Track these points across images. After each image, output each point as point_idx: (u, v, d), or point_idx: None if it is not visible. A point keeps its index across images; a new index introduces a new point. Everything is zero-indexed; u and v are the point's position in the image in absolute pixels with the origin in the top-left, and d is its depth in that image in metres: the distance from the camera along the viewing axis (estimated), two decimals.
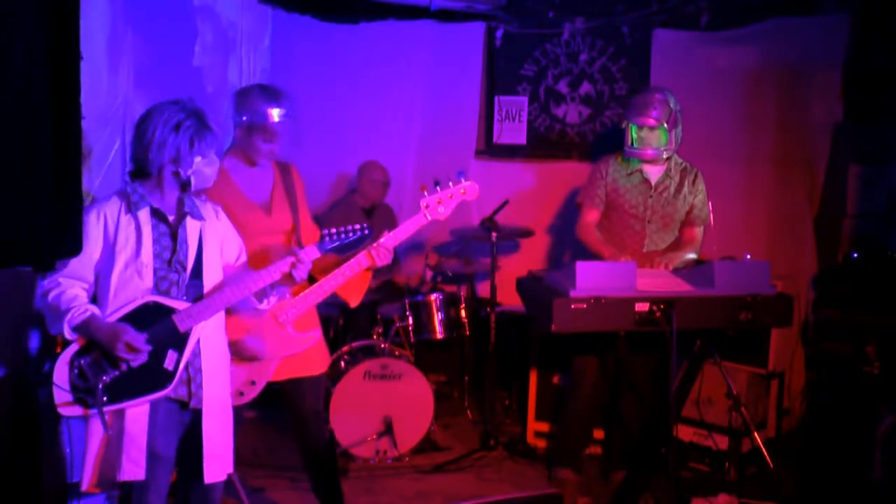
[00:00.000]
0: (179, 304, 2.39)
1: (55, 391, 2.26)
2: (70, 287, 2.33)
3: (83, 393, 2.28)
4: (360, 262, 2.86)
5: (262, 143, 2.87)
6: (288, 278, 2.58)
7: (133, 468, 2.30)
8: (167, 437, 2.40)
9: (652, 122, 3.62)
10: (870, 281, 4.15)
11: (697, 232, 3.83)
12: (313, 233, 3.06)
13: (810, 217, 4.78)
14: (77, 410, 2.29)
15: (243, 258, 2.65)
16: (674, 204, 3.74)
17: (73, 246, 1.32)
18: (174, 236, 2.43)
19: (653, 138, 3.66)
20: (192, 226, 2.47)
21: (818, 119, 4.75)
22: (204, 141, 2.41)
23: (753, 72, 4.89)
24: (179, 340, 2.38)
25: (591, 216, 3.82)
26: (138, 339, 2.29)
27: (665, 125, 3.63)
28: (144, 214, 2.40)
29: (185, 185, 2.44)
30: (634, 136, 3.68)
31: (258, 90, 2.91)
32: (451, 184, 2.93)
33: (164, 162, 2.38)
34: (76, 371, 2.28)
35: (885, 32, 4.57)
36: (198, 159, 2.40)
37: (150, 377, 2.33)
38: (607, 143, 5.24)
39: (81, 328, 2.28)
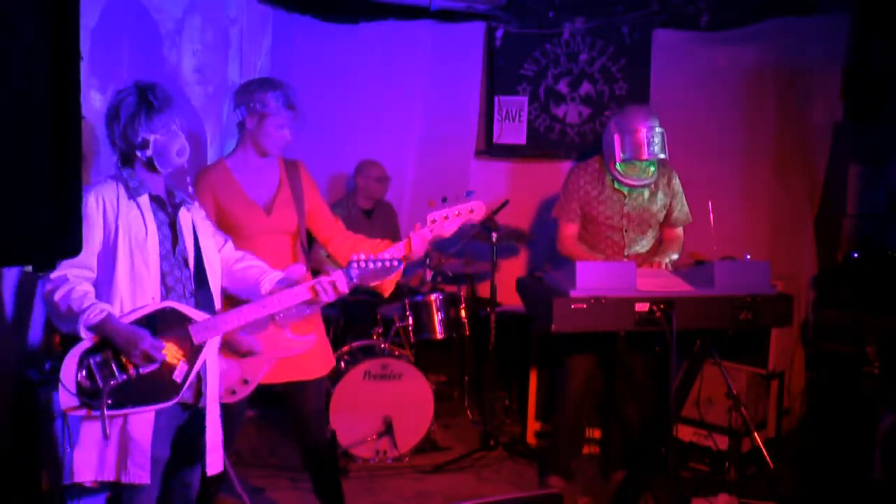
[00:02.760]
0: (197, 315, 2.33)
1: (60, 387, 2.18)
2: (78, 283, 2.23)
3: (88, 394, 2.20)
4: (398, 250, 2.79)
5: (274, 129, 2.84)
6: (315, 299, 2.50)
7: (138, 472, 2.26)
8: (164, 441, 2.37)
9: (648, 157, 3.55)
10: (870, 281, 4.15)
11: (679, 231, 3.82)
12: (337, 226, 3.05)
13: (810, 217, 4.78)
14: (80, 410, 2.22)
15: (229, 245, 2.62)
16: (649, 209, 3.71)
17: (74, 246, 1.32)
18: (173, 225, 2.38)
19: (647, 168, 3.62)
20: (184, 216, 2.43)
21: (818, 119, 4.75)
22: (145, 118, 2.29)
23: (753, 72, 4.89)
24: (192, 352, 2.31)
25: (569, 229, 3.77)
26: (156, 346, 2.22)
27: (660, 157, 3.58)
28: (145, 201, 2.34)
29: (148, 165, 2.34)
30: (624, 166, 3.59)
31: (260, 81, 2.92)
32: (458, 201, 2.92)
33: (122, 148, 2.33)
34: (84, 370, 2.20)
35: (885, 32, 4.57)
36: (153, 137, 2.30)
37: (157, 386, 2.27)
38: None
39: (97, 329, 2.21)
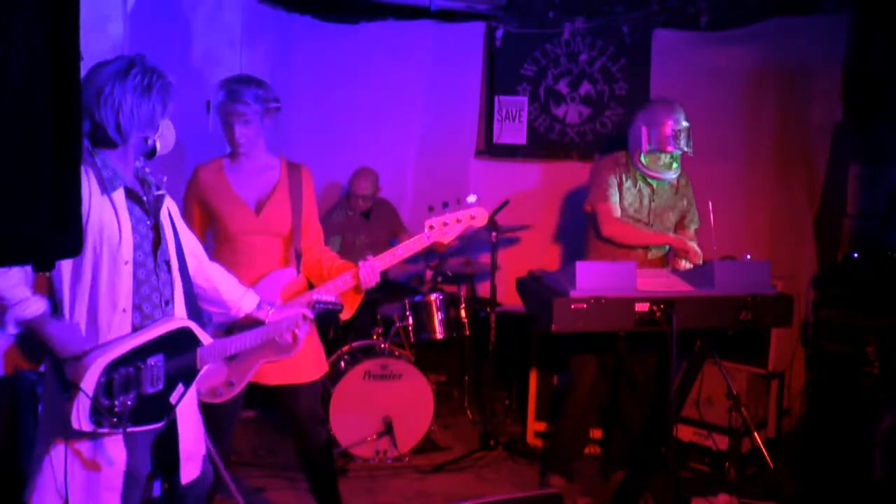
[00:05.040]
0: (206, 338, 2.23)
1: (78, 403, 1.93)
2: (12, 274, 1.91)
3: (102, 412, 1.96)
4: (346, 281, 2.84)
5: (237, 124, 2.75)
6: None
7: (110, 496, 2.08)
8: (144, 456, 2.20)
9: (673, 150, 3.59)
10: (870, 281, 4.15)
11: (692, 234, 3.83)
12: (317, 237, 3.00)
13: (810, 217, 4.78)
14: (88, 426, 1.96)
15: (204, 255, 2.47)
16: (672, 208, 3.75)
17: (74, 246, 1.32)
18: (156, 228, 2.16)
19: (671, 162, 3.65)
20: (163, 209, 2.21)
21: (818, 119, 4.74)
22: (171, 101, 2.15)
23: (753, 72, 4.89)
24: (190, 375, 2.19)
25: (610, 208, 3.66)
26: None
27: (685, 150, 3.61)
28: (119, 197, 2.06)
29: (150, 153, 2.18)
30: (648, 159, 3.62)
31: (233, 76, 2.87)
32: (459, 207, 2.90)
33: (135, 128, 2.09)
34: (104, 383, 1.96)
35: (885, 32, 4.56)
36: (164, 122, 2.16)
37: (153, 407, 2.09)
38: (607, 143, 5.25)
39: (29, 325, 1.94)
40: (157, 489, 2.39)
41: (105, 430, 1.99)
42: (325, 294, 2.74)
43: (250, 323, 2.54)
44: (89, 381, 1.94)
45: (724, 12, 5.03)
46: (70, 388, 1.94)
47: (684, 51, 5.05)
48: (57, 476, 2.03)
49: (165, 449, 2.29)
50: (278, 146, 3.01)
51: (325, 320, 2.75)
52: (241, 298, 2.51)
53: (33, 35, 1.19)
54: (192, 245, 2.40)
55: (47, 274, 2.04)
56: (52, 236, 1.26)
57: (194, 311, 2.30)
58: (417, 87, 5.27)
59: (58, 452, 2.03)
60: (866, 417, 3.61)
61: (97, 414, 1.95)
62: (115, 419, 1.98)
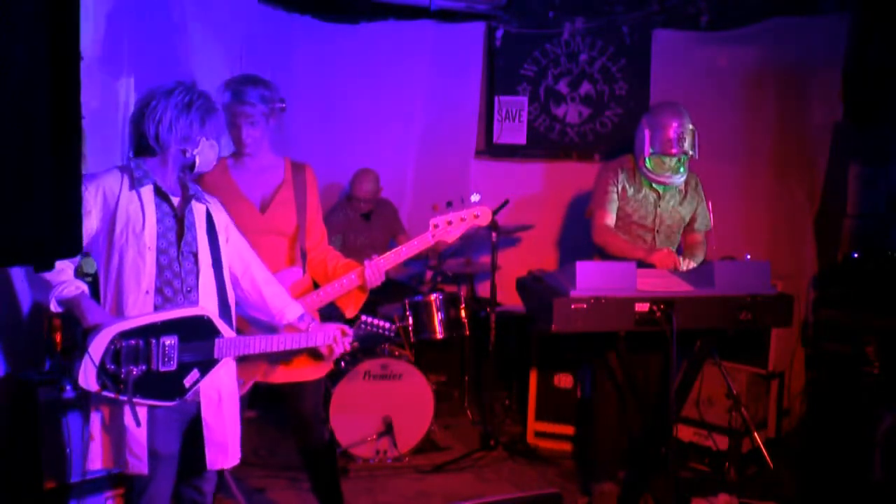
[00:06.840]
0: (226, 331, 2.35)
1: (85, 363, 2.14)
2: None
3: (108, 376, 2.17)
4: (351, 281, 2.86)
5: (244, 125, 2.78)
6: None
7: (136, 462, 2.26)
8: (167, 436, 2.34)
9: (677, 153, 3.56)
10: (870, 281, 4.15)
11: (700, 237, 3.82)
12: (321, 237, 3.00)
13: (810, 217, 4.78)
14: (94, 386, 2.16)
15: (254, 261, 2.58)
16: (679, 212, 3.74)
17: (73, 246, 1.32)
18: (180, 221, 2.35)
19: (676, 166, 3.62)
20: (198, 209, 2.41)
21: (818, 119, 4.75)
22: (212, 121, 2.38)
23: (753, 72, 4.90)
24: (208, 364, 2.33)
25: (606, 218, 3.70)
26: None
27: (689, 153, 3.59)
28: (147, 192, 2.31)
29: (190, 166, 2.39)
30: (653, 163, 3.60)
31: (239, 76, 2.89)
32: (463, 206, 2.91)
33: (172, 140, 2.33)
34: (112, 350, 2.17)
35: (885, 32, 4.57)
36: (204, 140, 2.37)
37: (165, 385, 2.26)
38: (607, 143, 5.25)
39: (67, 304, 2.21)
40: None
41: (110, 395, 2.18)
42: (376, 318, 2.74)
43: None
44: (98, 345, 2.16)
45: (724, 12, 5.04)
46: (83, 351, 2.16)
47: (684, 51, 5.06)
48: (94, 436, 2.29)
49: (194, 439, 2.41)
50: (279, 146, 3.02)
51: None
52: (285, 307, 2.59)
53: (33, 35, 1.19)
54: (242, 250, 2.56)
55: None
56: (52, 236, 1.26)
57: (225, 306, 2.42)
58: (417, 87, 5.27)
59: (94, 417, 2.29)
60: (866, 417, 3.61)
61: (102, 377, 2.16)
62: (120, 386, 2.18)
